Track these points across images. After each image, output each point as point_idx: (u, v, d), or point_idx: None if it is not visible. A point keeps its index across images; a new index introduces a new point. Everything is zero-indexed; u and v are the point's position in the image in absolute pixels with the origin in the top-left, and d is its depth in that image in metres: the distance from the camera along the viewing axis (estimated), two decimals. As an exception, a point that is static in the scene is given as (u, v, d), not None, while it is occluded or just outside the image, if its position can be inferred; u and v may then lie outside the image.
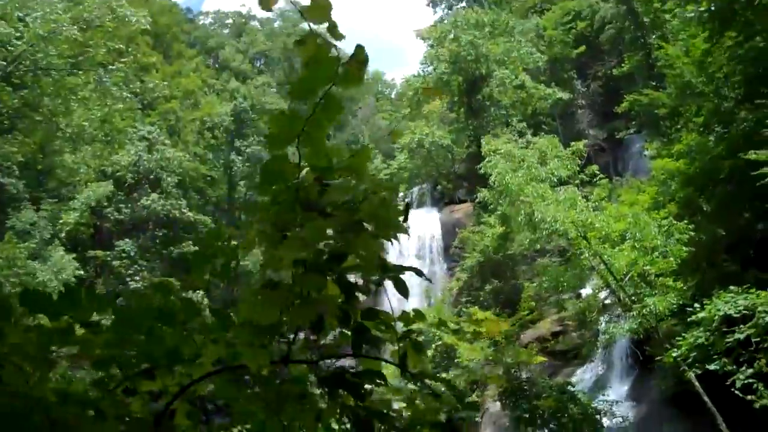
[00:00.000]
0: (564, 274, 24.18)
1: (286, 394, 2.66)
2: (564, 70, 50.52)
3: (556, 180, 24.90)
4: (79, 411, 2.34)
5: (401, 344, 2.81)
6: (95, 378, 2.71)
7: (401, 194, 54.16)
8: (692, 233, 21.54)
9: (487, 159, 27.40)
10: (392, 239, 2.81)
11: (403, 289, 2.89)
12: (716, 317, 18.62)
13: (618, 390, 29.03)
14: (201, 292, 44.88)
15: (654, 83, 34.21)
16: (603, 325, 33.62)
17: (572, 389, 23.72)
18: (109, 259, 42.22)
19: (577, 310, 35.53)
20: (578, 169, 26.96)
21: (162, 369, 2.67)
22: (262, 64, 75.44)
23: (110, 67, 26.36)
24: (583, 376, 32.48)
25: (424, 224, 52.80)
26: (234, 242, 2.85)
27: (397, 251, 55.79)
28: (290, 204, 2.59)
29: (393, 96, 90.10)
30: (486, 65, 45.81)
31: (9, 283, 25.48)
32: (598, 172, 27.18)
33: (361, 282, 2.86)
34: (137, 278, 41.76)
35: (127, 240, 43.47)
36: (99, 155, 37.93)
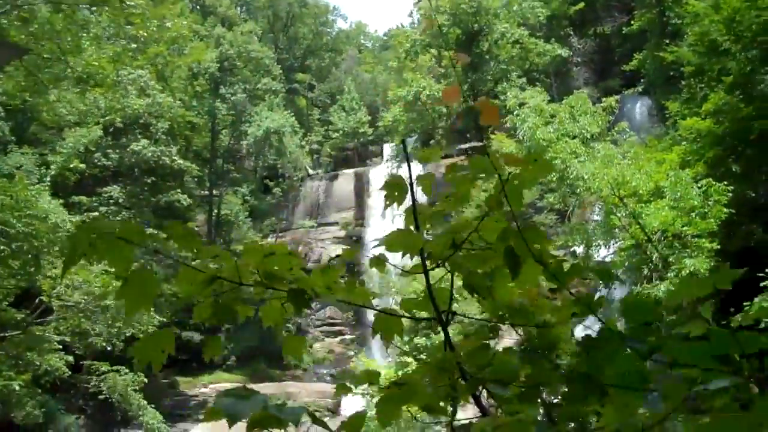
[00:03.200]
0: (597, 232, 23.74)
1: None
2: (561, 27, 49.93)
3: (588, 136, 24.42)
4: None
5: None
6: None
7: (392, 145, 53.63)
8: (730, 194, 21.22)
9: (515, 113, 26.72)
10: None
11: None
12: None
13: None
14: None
15: (667, 41, 33.76)
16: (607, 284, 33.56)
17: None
18: (95, 205, 40.92)
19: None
20: (607, 125, 26.51)
21: None
22: (244, 11, 73.53)
23: (128, 2, 25.04)
24: (582, 333, 32.22)
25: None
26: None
27: (381, 202, 55.49)
28: None
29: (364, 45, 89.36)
30: (486, 18, 45.11)
31: (21, 224, 24.59)
32: (627, 129, 26.76)
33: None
34: (125, 226, 40.62)
35: (114, 186, 42.20)
36: (90, 98, 36.47)
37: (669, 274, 20.86)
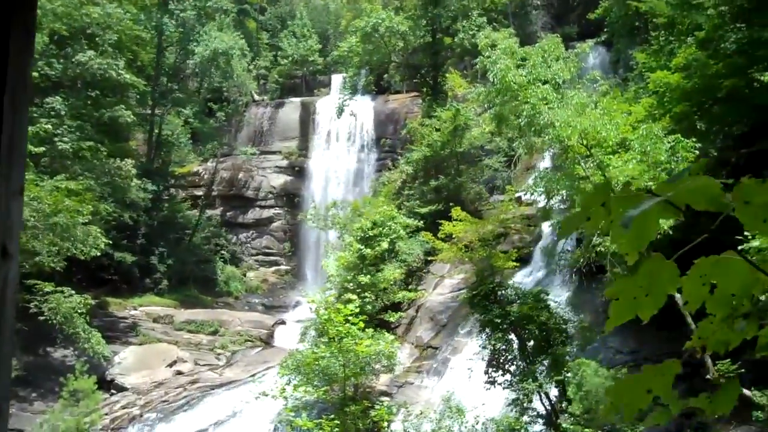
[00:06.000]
0: (560, 181, 23.51)
1: None
2: (523, -33, 49.38)
3: (559, 82, 24.04)
4: None
5: None
6: None
7: (342, 76, 52.83)
8: (697, 152, 21.13)
9: (486, 54, 26.14)
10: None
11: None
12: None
13: (559, 296, 29.06)
14: (130, 161, 42.73)
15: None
16: (547, 229, 33.96)
17: (545, 297, 23.48)
18: (36, 116, 39.21)
19: (521, 213, 36.06)
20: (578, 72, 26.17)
21: None
22: None
23: None
24: (523, 280, 32.53)
25: (359, 111, 51.85)
26: None
27: (326, 134, 54.86)
28: None
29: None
30: (449, -48, 44.10)
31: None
32: (599, 78, 26.48)
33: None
34: (66, 140, 39.13)
35: (57, 97, 40.49)
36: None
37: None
